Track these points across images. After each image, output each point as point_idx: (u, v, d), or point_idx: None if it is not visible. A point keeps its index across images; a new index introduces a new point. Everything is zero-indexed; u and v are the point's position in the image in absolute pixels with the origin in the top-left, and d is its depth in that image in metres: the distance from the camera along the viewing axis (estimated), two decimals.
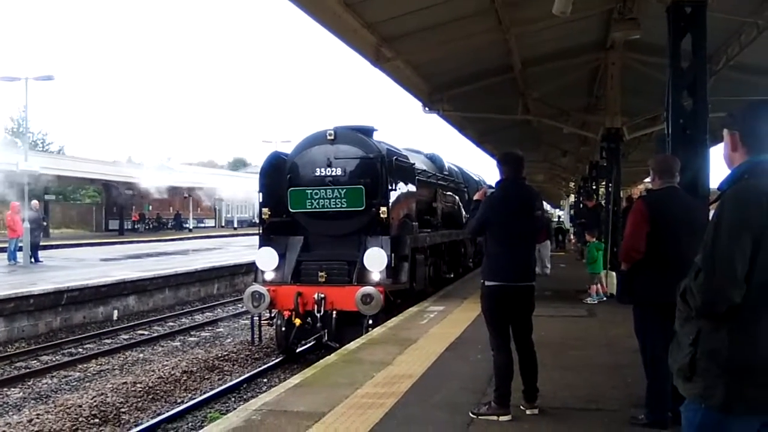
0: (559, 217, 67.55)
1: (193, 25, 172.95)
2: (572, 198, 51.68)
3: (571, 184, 48.71)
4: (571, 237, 28.69)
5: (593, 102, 21.34)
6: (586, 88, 20.57)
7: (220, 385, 12.20)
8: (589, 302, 14.24)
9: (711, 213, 3.18)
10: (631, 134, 18.99)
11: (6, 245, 27.23)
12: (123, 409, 10.76)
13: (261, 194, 14.28)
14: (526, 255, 6.58)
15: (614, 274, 14.70)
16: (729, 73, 14.69)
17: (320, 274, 13.21)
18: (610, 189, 18.13)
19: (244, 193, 59.87)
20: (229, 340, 16.35)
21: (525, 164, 6.84)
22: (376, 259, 12.79)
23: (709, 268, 2.89)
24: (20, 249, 25.89)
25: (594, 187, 26.00)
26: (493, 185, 7.16)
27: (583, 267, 21.11)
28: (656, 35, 11.77)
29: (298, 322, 12.82)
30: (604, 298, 14.43)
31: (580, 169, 36.54)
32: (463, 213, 20.16)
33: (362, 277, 12.90)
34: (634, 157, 26.35)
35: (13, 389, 12.33)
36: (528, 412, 6.36)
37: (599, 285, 14.65)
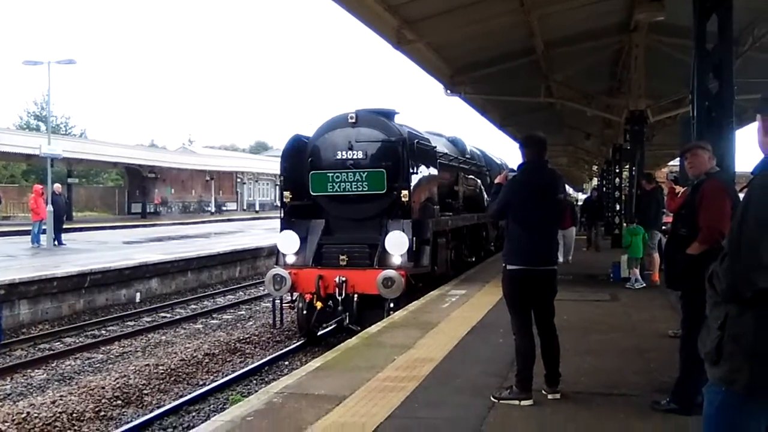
0: (578, 200, 66.89)
1: (216, 8, 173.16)
2: (595, 181, 51.40)
3: (595, 168, 48.49)
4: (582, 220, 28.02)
5: (617, 85, 21.20)
6: (610, 71, 20.42)
7: (242, 367, 12.25)
8: (628, 287, 13.89)
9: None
10: (655, 117, 18.88)
11: (30, 228, 27.49)
12: (145, 391, 10.82)
13: (282, 178, 14.28)
14: (548, 239, 6.53)
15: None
16: (756, 55, 14.48)
17: (341, 257, 13.20)
18: (633, 172, 18.00)
19: None
20: (250, 323, 16.40)
21: (548, 147, 6.78)
22: (397, 243, 12.76)
23: (734, 253, 2.86)
24: (44, 232, 26.09)
25: (618, 170, 25.82)
26: (516, 168, 7.10)
27: (605, 251, 21.05)
28: (681, 16, 11.66)
29: (319, 305, 12.84)
30: (643, 284, 13.98)
31: (603, 152, 36.35)
32: (485, 196, 20.07)
33: (383, 261, 12.88)
34: (659, 140, 26.19)
35: (36, 371, 12.44)
36: (549, 396, 6.32)
37: (636, 270, 14.19)
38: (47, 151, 30.49)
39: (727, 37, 8.59)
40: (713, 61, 8.53)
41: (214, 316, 17.85)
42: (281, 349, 13.36)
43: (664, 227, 14.57)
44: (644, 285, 13.92)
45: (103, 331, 15.80)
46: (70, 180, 49.17)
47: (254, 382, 11.32)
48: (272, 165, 64.31)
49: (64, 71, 75.13)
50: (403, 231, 12.86)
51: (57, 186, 28.06)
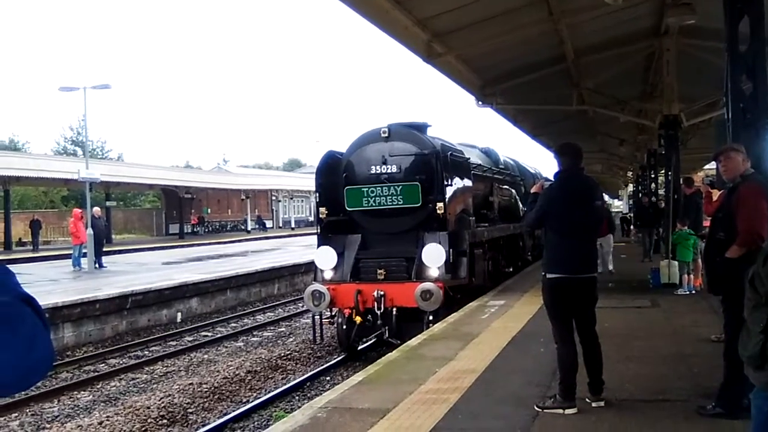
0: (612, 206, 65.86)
1: (246, 28, 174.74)
2: (630, 187, 50.98)
3: (629, 174, 48.11)
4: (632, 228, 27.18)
5: (649, 89, 21.06)
6: (642, 76, 20.31)
7: (284, 384, 12.30)
8: (680, 293, 13.74)
9: None
10: (689, 121, 18.71)
11: (70, 252, 27.88)
12: (190, 410, 10.93)
13: (318, 194, 14.38)
14: (587, 246, 6.53)
15: (676, 263, 14.40)
16: None
17: (379, 271, 13.24)
18: (669, 177, 17.85)
19: None
20: (291, 340, 16.48)
21: (583, 155, 6.79)
22: (434, 255, 12.78)
23: None
24: (84, 255, 26.44)
25: (654, 175, 25.51)
26: (552, 177, 7.12)
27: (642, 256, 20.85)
28: (712, 19, 11.57)
29: (358, 319, 12.87)
30: (693, 291, 13.73)
31: (638, 158, 36.07)
32: (521, 206, 20.04)
33: (421, 274, 12.90)
34: (693, 143, 25.88)
35: (83, 392, 12.60)
36: (594, 404, 6.31)
37: (690, 275, 14.00)
38: (85, 175, 30.93)
39: (759, 37, 8.51)
40: (746, 63, 8.47)
41: (254, 333, 17.95)
42: (322, 365, 13.40)
43: (702, 231, 14.41)
44: (693, 291, 13.73)
45: (146, 352, 15.97)
46: (108, 203, 49.75)
47: (297, 398, 11.38)
48: (306, 182, 64.59)
49: (100, 96, 76.26)
50: (440, 243, 12.88)
51: (96, 209, 28.42)
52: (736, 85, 8.45)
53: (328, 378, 12.48)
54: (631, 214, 43.02)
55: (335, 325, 13.73)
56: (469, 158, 15.30)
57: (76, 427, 10.27)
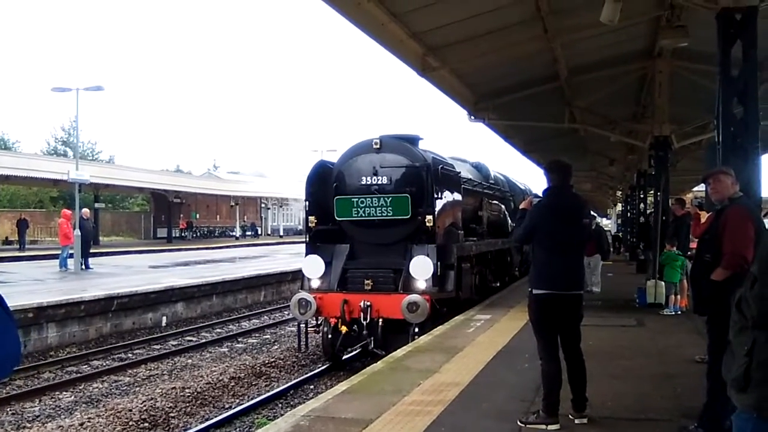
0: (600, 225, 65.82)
1: (241, 36, 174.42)
2: (619, 207, 51.15)
3: (618, 193, 48.29)
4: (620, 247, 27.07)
5: (641, 110, 21.15)
6: (634, 97, 20.41)
7: (268, 391, 12.28)
8: (666, 313, 13.81)
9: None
10: (679, 142, 18.78)
11: (57, 252, 27.77)
12: (172, 414, 10.89)
13: (307, 203, 14.38)
14: (574, 263, 6.56)
15: (663, 283, 14.45)
16: None
17: (366, 282, 13.24)
18: (658, 198, 17.92)
19: None
20: (275, 347, 16.46)
21: (572, 173, 6.83)
22: (422, 268, 12.79)
23: (765, 277, 2.86)
24: (71, 256, 26.33)
25: (642, 196, 25.59)
26: (540, 194, 7.15)
27: (632, 277, 20.92)
28: (705, 43, 11.65)
29: (344, 329, 12.87)
30: (679, 312, 13.78)
31: (627, 178, 36.23)
32: (509, 222, 20.07)
33: (408, 286, 12.91)
34: (683, 165, 26.02)
35: (65, 393, 12.55)
36: (576, 421, 6.33)
37: (677, 296, 14.04)
38: (75, 176, 30.87)
39: (751, 62, 8.59)
40: (738, 87, 8.54)
41: (239, 339, 17.92)
42: (306, 373, 13.38)
43: (689, 252, 14.45)
44: (679, 312, 13.77)
45: (130, 355, 15.92)
46: (96, 205, 49.61)
47: (279, 405, 11.36)
48: (296, 191, 64.55)
49: (92, 97, 76.03)
50: (428, 256, 12.89)
51: (85, 211, 28.33)
52: (727, 109, 8.51)
53: (311, 387, 12.46)
54: (620, 233, 43.27)
55: (320, 334, 13.71)
56: (459, 172, 15.34)
57: (56, 427, 10.23)
